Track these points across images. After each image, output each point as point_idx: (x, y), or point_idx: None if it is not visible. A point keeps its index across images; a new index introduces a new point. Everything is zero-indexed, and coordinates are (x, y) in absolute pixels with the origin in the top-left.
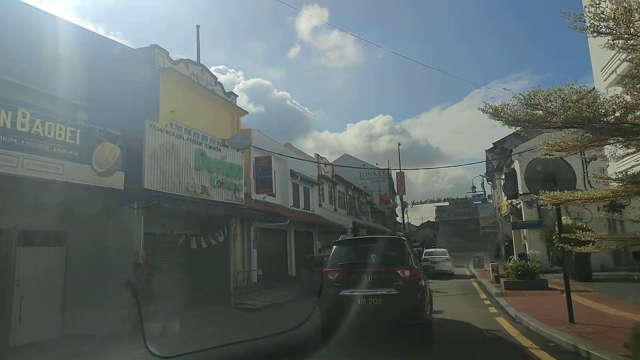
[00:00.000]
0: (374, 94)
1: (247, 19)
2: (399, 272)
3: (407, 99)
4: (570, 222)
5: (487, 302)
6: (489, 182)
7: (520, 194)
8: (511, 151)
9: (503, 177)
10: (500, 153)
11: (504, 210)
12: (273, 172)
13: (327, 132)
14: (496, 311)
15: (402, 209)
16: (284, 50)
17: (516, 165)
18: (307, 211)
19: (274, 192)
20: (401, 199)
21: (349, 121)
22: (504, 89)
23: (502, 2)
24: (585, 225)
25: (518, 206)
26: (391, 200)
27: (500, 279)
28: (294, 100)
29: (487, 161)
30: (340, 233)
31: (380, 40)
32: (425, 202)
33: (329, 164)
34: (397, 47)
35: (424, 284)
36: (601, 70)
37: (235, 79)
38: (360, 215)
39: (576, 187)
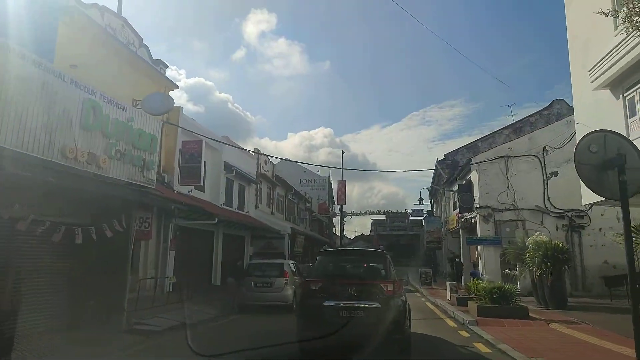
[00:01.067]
0: (317, 105)
1: (192, 15)
2: (382, 285)
3: (350, 114)
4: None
5: (464, 333)
6: (430, 200)
7: (477, 207)
8: (469, 161)
9: (456, 189)
10: (451, 165)
11: (452, 224)
12: (203, 161)
13: (268, 140)
14: (489, 350)
15: (341, 219)
16: (229, 52)
17: (473, 176)
18: (241, 212)
19: (202, 184)
20: (340, 208)
21: (290, 130)
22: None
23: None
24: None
25: (473, 220)
26: (330, 210)
27: (468, 301)
28: (235, 104)
29: (435, 172)
30: (275, 239)
31: (327, 54)
32: (365, 213)
33: (278, 157)
34: (343, 63)
35: (405, 299)
36: (589, 71)
37: (176, 76)
38: (298, 222)
39: (537, 204)
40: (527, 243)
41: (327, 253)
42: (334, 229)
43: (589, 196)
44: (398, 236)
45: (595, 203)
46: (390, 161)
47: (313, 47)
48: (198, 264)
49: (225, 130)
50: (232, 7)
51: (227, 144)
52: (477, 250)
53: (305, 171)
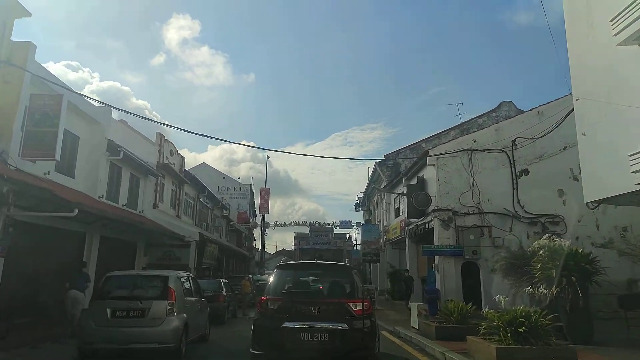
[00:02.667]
0: (240, 118)
1: (107, 13)
2: (350, 304)
3: (274, 130)
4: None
5: None
6: (360, 208)
7: (435, 209)
8: (426, 153)
9: (401, 191)
10: (392, 167)
11: (394, 233)
12: (61, 127)
13: (186, 150)
14: None
15: (263, 229)
16: (147, 56)
17: (430, 172)
18: (133, 211)
19: (57, 158)
20: (263, 218)
21: (211, 142)
22: None
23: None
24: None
25: (428, 225)
26: (251, 220)
27: (467, 336)
28: (154, 112)
29: (373, 174)
30: (178, 247)
31: (252, 67)
32: (290, 224)
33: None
34: (269, 78)
35: (374, 319)
36: (611, 21)
37: (88, 79)
38: (212, 230)
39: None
40: (530, 249)
41: (286, 267)
42: (254, 242)
43: (596, 190)
44: (321, 251)
45: (604, 200)
46: (312, 179)
47: (238, 58)
48: (52, 279)
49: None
50: (152, 9)
51: (117, 109)
52: (433, 262)
53: (224, 177)
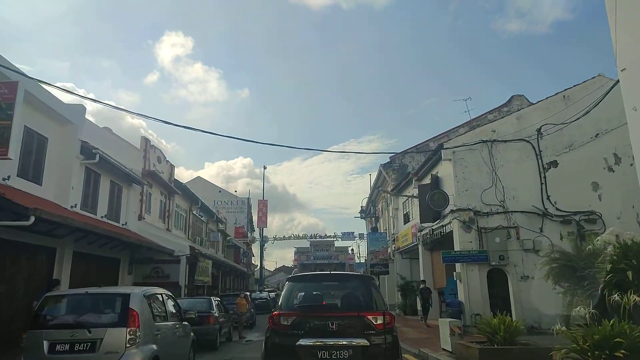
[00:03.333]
0: (236, 134)
1: (99, 33)
2: (370, 317)
3: (270, 145)
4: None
5: None
6: (365, 216)
7: (454, 210)
8: (440, 146)
9: (411, 193)
10: (399, 169)
11: (404, 241)
12: (17, 120)
13: (183, 169)
14: None
15: (262, 244)
16: (141, 75)
17: (445, 169)
18: (114, 223)
19: (12, 157)
20: (261, 231)
21: (207, 159)
22: None
23: (361, 71)
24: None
25: (445, 229)
26: (249, 234)
27: None
28: (150, 130)
29: (378, 178)
30: (167, 263)
31: (246, 82)
32: (289, 237)
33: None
34: (263, 92)
35: (396, 334)
36: None
37: (83, 101)
38: (207, 245)
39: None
40: (590, 248)
41: (298, 279)
42: (252, 258)
43: None
44: (323, 265)
45: None
46: (311, 193)
47: (231, 73)
48: (16, 302)
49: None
50: (144, 28)
51: (96, 102)
52: (454, 270)
53: (220, 191)
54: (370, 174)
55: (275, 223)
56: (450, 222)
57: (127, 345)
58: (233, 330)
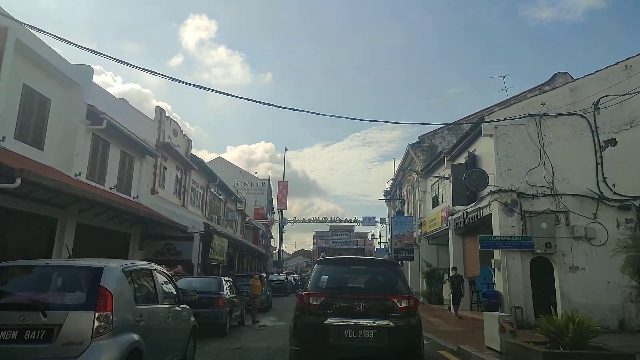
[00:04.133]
0: (258, 119)
1: (124, 16)
2: (395, 301)
3: (293, 131)
4: None
5: None
6: (389, 199)
7: (494, 191)
8: (480, 120)
9: (445, 174)
10: (428, 150)
11: (433, 225)
12: (6, 69)
13: (205, 152)
14: None
15: (281, 226)
16: (165, 57)
17: (485, 145)
18: (124, 195)
19: (0, 112)
20: (281, 214)
21: (229, 143)
22: None
23: (385, 59)
24: None
25: (482, 212)
26: (268, 216)
27: None
28: (174, 113)
29: (405, 158)
30: (180, 240)
31: (269, 66)
32: (309, 220)
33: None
34: (286, 77)
35: (419, 317)
36: None
37: (111, 82)
38: (225, 224)
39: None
40: None
41: (326, 262)
42: (271, 240)
43: None
44: (342, 250)
45: None
46: (331, 179)
47: (255, 57)
48: None
49: None
50: (168, 11)
51: (96, 54)
52: (492, 258)
53: (240, 172)
54: (394, 158)
55: (295, 207)
56: (489, 205)
57: (94, 334)
58: (246, 313)
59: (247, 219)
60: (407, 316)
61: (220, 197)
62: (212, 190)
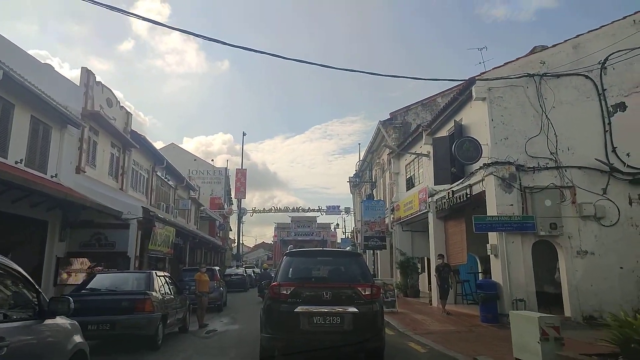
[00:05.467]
0: (215, 109)
1: None
2: (359, 289)
3: (252, 122)
4: None
5: None
6: (356, 185)
7: (489, 163)
8: (472, 81)
9: (424, 151)
10: (401, 127)
11: (407, 209)
12: None
13: (161, 143)
14: None
15: (239, 217)
16: (114, 41)
17: (476, 112)
18: (37, 173)
19: None
20: (239, 203)
21: (186, 134)
22: None
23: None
24: None
25: (474, 188)
26: (226, 206)
27: None
28: (127, 102)
29: (376, 137)
30: (115, 228)
31: (226, 53)
32: (270, 210)
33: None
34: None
35: (381, 303)
36: None
37: (57, 68)
38: (176, 214)
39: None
40: None
41: (294, 254)
42: (230, 232)
43: None
44: (304, 242)
45: None
46: (292, 172)
47: (211, 44)
48: None
49: None
50: None
51: None
52: (487, 242)
53: (195, 160)
54: (359, 143)
55: (255, 200)
56: (482, 180)
57: None
58: (193, 315)
59: (202, 208)
60: (371, 302)
61: (169, 182)
62: (158, 174)
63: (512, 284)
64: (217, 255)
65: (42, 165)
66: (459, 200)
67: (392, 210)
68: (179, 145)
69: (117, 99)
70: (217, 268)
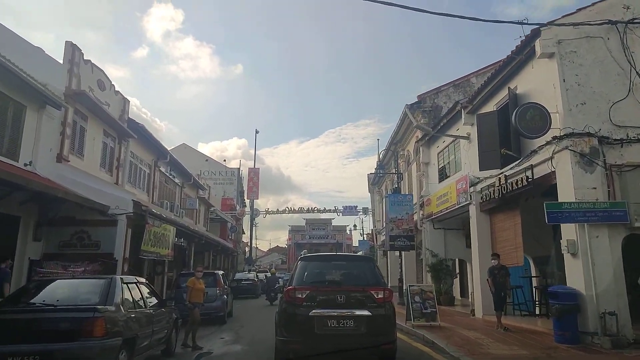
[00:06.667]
0: (229, 114)
1: (83, 3)
2: (372, 292)
3: (266, 127)
4: None
5: None
6: (376, 182)
7: (561, 136)
8: (536, 32)
9: (462, 133)
10: (431, 111)
11: (441, 203)
12: None
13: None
14: None
15: (252, 218)
16: (129, 49)
17: (539, 74)
18: (7, 160)
19: None
20: (252, 204)
21: (201, 140)
22: None
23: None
24: None
25: (536, 170)
26: (238, 207)
27: None
28: (144, 109)
29: (402, 122)
30: (100, 225)
31: (239, 57)
32: (284, 211)
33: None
34: (257, 69)
35: (393, 305)
36: None
37: None
38: (182, 213)
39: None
40: None
41: (309, 258)
42: (242, 235)
43: None
44: (318, 245)
45: None
46: (306, 176)
47: (224, 49)
48: None
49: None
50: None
51: None
52: (553, 237)
53: (207, 160)
54: (378, 139)
55: (269, 204)
56: (552, 158)
57: None
58: (178, 333)
59: (212, 209)
60: (383, 306)
61: (175, 180)
62: (162, 169)
63: (598, 291)
64: (227, 259)
65: (12, 151)
66: (514, 187)
67: (422, 205)
68: (190, 146)
69: (111, 82)
70: (220, 272)
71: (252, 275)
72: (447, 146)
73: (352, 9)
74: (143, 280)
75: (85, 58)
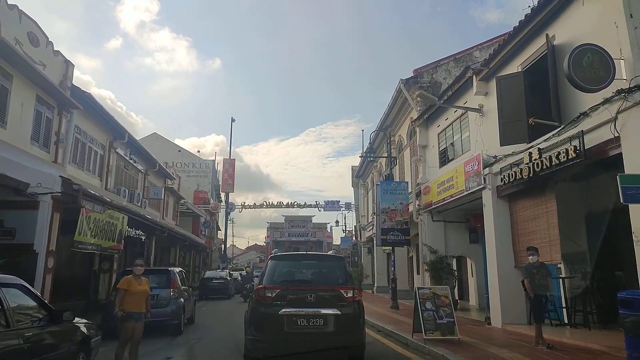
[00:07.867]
0: (208, 109)
1: None
2: (342, 292)
3: (245, 124)
4: None
5: None
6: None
7: (629, 89)
8: None
9: (472, 104)
10: (429, 87)
11: (444, 190)
12: None
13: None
14: None
15: (227, 211)
16: (102, 39)
17: (597, 8)
18: None
19: None
20: (227, 198)
21: (178, 135)
22: None
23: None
24: None
25: (591, 136)
26: (212, 201)
27: None
28: (119, 102)
29: (396, 100)
30: (16, 208)
31: (217, 51)
32: (262, 205)
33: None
34: (237, 63)
35: (362, 304)
36: None
37: None
38: (145, 203)
39: None
40: None
41: (279, 257)
42: (218, 232)
43: None
44: (298, 243)
45: None
46: (286, 175)
47: (201, 42)
48: None
49: None
50: None
51: None
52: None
53: (180, 151)
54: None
55: (247, 202)
56: (615, 120)
57: None
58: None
59: (183, 201)
60: (352, 305)
61: (137, 165)
62: (119, 151)
63: None
64: (199, 256)
65: None
66: (551, 164)
67: (418, 194)
68: (162, 136)
69: (48, 38)
70: (177, 269)
71: (224, 273)
72: (452, 123)
73: (338, 3)
74: (18, 281)
75: (10, 3)
